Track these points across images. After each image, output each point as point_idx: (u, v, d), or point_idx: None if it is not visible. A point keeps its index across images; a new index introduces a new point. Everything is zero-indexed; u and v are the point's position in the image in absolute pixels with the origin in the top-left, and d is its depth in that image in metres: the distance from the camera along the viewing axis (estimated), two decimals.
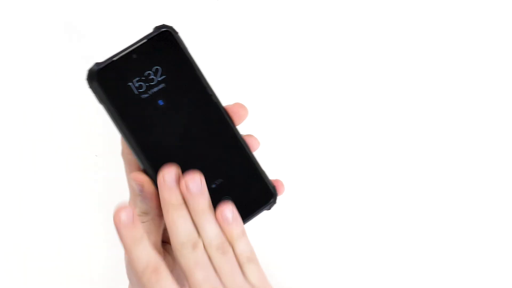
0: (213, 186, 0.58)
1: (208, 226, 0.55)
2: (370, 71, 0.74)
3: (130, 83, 0.57)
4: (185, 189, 0.56)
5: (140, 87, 0.57)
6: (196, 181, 0.56)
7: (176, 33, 0.58)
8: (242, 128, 0.67)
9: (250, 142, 0.59)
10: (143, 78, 0.57)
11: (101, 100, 0.56)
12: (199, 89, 0.58)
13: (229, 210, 0.56)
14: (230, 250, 0.56)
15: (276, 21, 0.73)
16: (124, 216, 0.54)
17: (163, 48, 0.57)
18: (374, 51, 0.74)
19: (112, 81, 0.56)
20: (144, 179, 0.57)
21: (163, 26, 0.58)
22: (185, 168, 0.57)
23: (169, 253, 0.60)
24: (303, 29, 0.73)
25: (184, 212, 0.56)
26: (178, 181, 0.56)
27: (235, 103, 0.59)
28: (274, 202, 0.59)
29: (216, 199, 0.58)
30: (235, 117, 0.59)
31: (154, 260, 0.54)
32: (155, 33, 0.57)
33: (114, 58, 0.56)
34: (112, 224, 0.61)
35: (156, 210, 0.58)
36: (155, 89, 0.57)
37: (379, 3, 0.75)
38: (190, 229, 0.55)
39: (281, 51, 0.73)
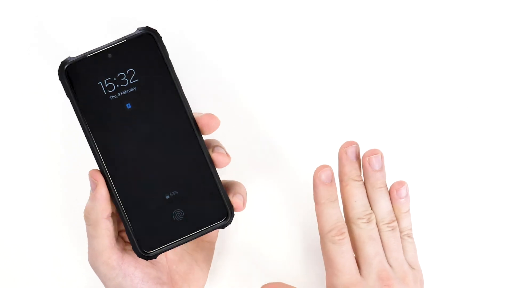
0: (167, 197, 0.57)
1: (383, 202, 0.59)
2: (355, 75, 0.71)
3: (100, 82, 0.56)
4: (367, 164, 0.59)
5: (110, 87, 0.56)
6: (378, 158, 0.59)
7: (159, 37, 0.56)
8: (232, 135, 0.65)
9: (218, 159, 0.57)
10: (115, 79, 0.56)
11: (68, 94, 0.56)
12: (170, 96, 0.57)
13: (404, 188, 0.60)
14: (397, 227, 0.60)
15: (266, 24, 0.71)
16: (324, 175, 0.59)
17: (141, 51, 0.56)
18: (357, 54, 0.71)
19: (81, 77, 0.56)
20: (99, 179, 0.56)
21: (146, 28, 0.57)
22: (139, 176, 0.56)
23: (127, 252, 0.59)
24: (285, 36, 0.71)
25: (362, 187, 0.60)
26: (358, 157, 0.60)
27: (205, 114, 0.57)
28: (229, 222, 0.57)
29: (167, 211, 0.56)
30: (204, 128, 0.57)
31: (342, 223, 0.58)
32: (135, 35, 0.56)
33: (88, 55, 0.56)
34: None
35: (100, 214, 0.56)
36: (125, 92, 0.56)
37: (378, 3, 0.71)
38: (366, 203, 0.59)
39: (277, 56, 0.71)
